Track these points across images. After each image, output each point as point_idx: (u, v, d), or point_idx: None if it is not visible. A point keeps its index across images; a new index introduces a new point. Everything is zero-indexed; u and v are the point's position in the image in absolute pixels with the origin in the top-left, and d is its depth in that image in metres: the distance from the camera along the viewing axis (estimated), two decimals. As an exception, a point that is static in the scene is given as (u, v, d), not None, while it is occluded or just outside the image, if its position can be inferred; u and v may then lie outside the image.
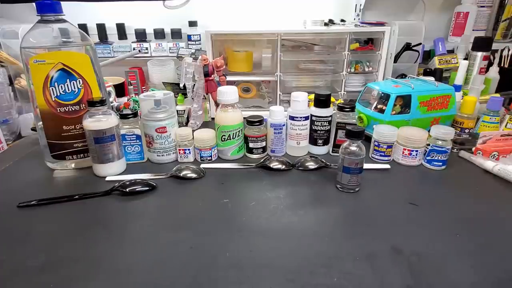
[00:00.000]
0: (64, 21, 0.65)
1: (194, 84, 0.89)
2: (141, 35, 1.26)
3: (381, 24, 1.05)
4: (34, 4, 0.63)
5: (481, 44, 1.06)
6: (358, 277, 0.43)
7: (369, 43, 1.05)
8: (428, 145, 0.70)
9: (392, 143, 0.72)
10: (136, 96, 1.04)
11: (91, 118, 0.65)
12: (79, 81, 0.66)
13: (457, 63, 1.11)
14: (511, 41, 1.20)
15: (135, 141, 0.72)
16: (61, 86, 0.65)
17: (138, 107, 0.90)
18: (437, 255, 0.47)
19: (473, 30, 1.20)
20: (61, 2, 0.64)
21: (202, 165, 0.72)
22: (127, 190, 0.62)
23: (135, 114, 0.72)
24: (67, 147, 0.70)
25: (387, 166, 0.71)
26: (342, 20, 1.15)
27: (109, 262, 0.46)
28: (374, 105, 0.81)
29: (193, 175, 0.68)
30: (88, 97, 0.68)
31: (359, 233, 0.52)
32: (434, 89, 0.79)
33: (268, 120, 0.75)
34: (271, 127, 0.75)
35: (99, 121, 0.65)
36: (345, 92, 1.04)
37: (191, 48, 1.22)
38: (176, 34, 1.26)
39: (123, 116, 0.71)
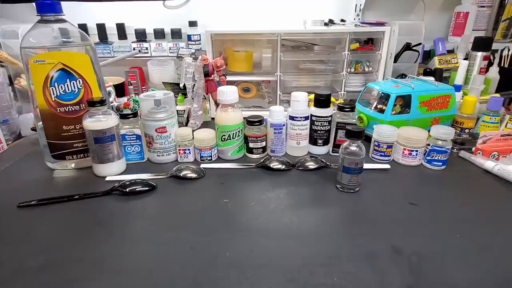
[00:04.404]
0: (64, 21, 0.65)
1: (194, 84, 0.89)
2: (141, 35, 1.26)
3: (381, 24, 1.04)
4: (34, 4, 0.63)
5: (481, 44, 1.06)
6: (358, 277, 0.43)
7: (369, 43, 1.05)
8: (428, 145, 0.70)
9: (392, 143, 0.72)
10: (136, 96, 1.04)
11: (91, 118, 0.65)
12: (79, 81, 0.66)
13: (457, 63, 1.11)
14: (511, 41, 1.20)
15: (135, 141, 0.72)
16: (61, 86, 0.65)
17: (138, 107, 0.90)
18: (437, 255, 0.47)
19: (473, 30, 1.20)
20: (61, 2, 0.64)
21: (202, 165, 0.72)
22: (127, 190, 0.62)
23: (135, 114, 0.72)
24: (67, 147, 0.70)
25: (387, 166, 0.71)
26: (342, 20, 1.15)
27: (109, 262, 0.46)
28: (374, 105, 0.81)
29: (193, 175, 0.68)
30: (88, 97, 0.68)
31: (359, 233, 0.52)
32: (434, 89, 0.79)
33: (268, 120, 0.75)
34: (271, 127, 0.75)
35: (99, 121, 0.65)
36: (345, 92, 1.04)
37: (191, 48, 1.22)
38: (176, 34, 1.26)
39: (123, 116, 0.71)
